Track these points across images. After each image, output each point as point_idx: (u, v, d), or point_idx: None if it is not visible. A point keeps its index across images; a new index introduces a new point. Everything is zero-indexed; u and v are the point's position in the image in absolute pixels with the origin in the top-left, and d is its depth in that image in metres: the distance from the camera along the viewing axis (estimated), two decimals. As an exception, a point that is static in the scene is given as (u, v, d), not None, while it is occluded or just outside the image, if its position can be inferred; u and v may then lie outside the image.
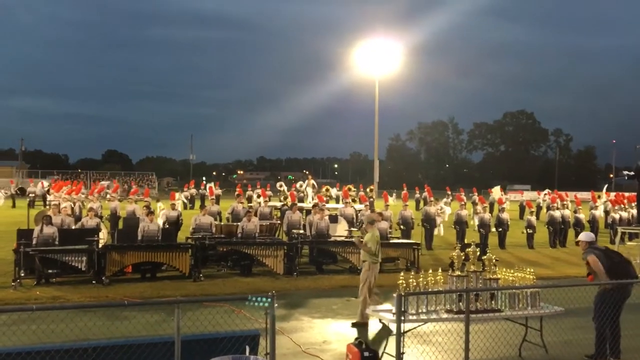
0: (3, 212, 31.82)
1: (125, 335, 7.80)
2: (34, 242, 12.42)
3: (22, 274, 12.05)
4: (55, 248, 12.44)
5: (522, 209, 32.49)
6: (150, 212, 14.66)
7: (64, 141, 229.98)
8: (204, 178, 59.96)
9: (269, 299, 5.36)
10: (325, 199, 22.58)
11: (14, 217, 26.95)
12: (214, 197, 32.12)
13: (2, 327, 7.65)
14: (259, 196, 21.59)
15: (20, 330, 7.26)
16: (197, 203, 34.50)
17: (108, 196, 26.82)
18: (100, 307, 10.38)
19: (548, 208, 24.02)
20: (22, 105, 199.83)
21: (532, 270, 8.15)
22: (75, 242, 12.63)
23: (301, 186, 29.52)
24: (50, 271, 12.33)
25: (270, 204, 20.45)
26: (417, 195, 39.74)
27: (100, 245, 12.76)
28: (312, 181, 25.89)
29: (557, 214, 21.68)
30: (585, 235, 8.45)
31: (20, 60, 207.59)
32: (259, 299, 5.35)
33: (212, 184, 36.95)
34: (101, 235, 13.90)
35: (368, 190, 28.40)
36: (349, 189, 24.95)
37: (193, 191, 39.55)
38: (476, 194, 34.18)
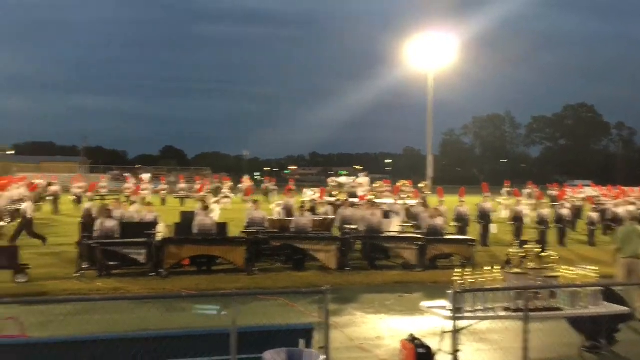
0: (68, 207, 33.15)
1: (182, 327, 7.98)
2: (96, 235, 12.88)
3: (85, 266, 12.51)
4: (116, 241, 12.86)
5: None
6: (206, 207, 14.94)
7: (123, 138, 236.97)
8: (256, 174, 60.75)
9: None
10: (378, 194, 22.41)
11: (79, 211, 28.02)
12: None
13: (67, 316, 8.00)
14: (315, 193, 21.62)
15: (84, 319, 7.56)
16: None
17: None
18: (158, 298, 10.69)
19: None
20: (83, 104, 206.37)
21: (594, 268, 7.85)
22: (134, 235, 13.02)
23: (354, 181, 29.47)
24: (111, 263, 12.76)
25: (323, 199, 20.45)
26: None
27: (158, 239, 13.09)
28: (367, 177, 25.85)
29: (620, 210, 20.80)
30: None
31: (81, 59, 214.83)
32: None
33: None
34: (159, 228, 14.26)
35: (420, 185, 28.06)
36: (403, 185, 24.72)
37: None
38: (529, 187, 32.56)
